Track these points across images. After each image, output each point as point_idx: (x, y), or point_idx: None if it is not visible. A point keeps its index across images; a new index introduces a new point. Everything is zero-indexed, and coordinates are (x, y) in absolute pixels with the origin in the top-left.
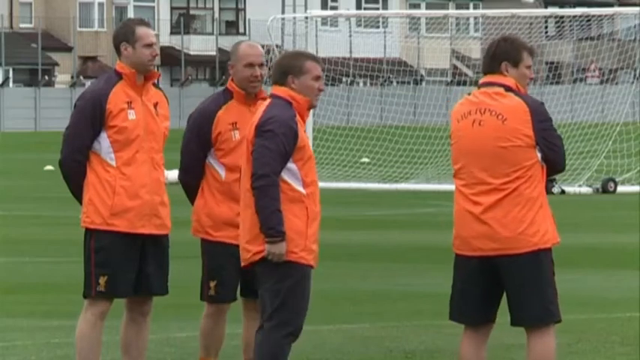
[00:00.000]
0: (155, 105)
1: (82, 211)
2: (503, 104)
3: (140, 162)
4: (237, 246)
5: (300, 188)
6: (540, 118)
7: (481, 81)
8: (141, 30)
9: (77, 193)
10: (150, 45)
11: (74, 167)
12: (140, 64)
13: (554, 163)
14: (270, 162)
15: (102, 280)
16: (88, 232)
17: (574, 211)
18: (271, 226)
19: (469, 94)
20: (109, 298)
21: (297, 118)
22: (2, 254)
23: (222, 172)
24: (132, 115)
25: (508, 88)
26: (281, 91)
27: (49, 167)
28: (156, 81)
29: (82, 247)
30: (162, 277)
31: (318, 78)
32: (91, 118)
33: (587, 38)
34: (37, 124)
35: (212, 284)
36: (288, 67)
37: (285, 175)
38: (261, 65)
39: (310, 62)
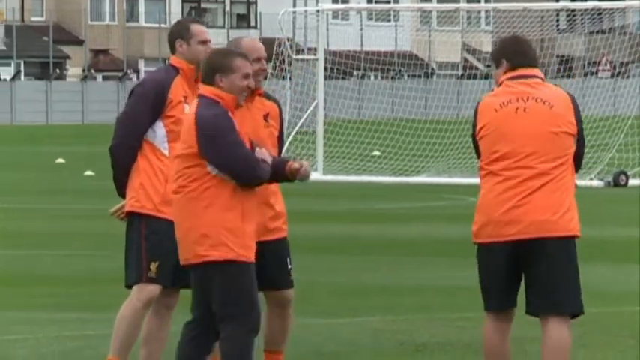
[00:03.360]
0: None
1: (131, 195)
2: (546, 92)
3: None
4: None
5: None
6: (578, 109)
7: (514, 74)
8: (195, 27)
9: (122, 179)
10: (204, 42)
11: (128, 153)
12: (195, 60)
13: (578, 158)
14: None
15: (153, 266)
16: (137, 217)
17: (585, 204)
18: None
19: (492, 89)
20: (159, 284)
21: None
22: (13, 247)
23: None
24: (187, 109)
25: (543, 80)
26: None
27: (60, 160)
28: None
29: (91, 240)
30: None
31: (246, 76)
32: (152, 105)
33: (598, 31)
34: (49, 117)
35: None
36: (217, 65)
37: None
38: (265, 59)
39: (239, 60)
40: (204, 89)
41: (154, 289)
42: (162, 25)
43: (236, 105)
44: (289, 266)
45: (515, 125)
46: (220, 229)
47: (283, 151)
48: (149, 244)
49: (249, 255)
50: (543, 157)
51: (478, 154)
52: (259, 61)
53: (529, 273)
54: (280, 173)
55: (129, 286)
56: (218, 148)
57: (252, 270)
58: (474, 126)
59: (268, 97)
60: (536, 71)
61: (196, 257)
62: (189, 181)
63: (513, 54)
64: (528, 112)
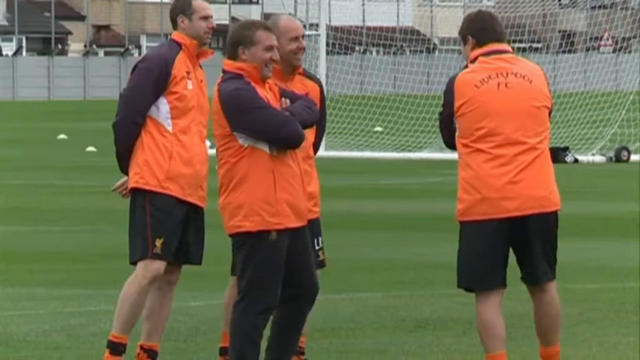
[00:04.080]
0: (200, 82)
1: (135, 171)
2: (523, 67)
3: (193, 132)
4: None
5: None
6: (549, 82)
7: (487, 49)
8: (197, 3)
9: (125, 156)
10: (206, 17)
11: (132, 129)
12: (197, 36)
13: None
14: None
15: (158, 242)
16: (141, 193)
17: (587, 179)
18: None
19: (466, 66)
20: (164, 260)
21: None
22: (15, 223)
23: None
24: (190, 85)
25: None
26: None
27: (62, 136)
28: None
29: (92, 216)
30: (200, 247)
31: (270, 48)
32: (156, 81)
33: (600, 6)
34: (51, 93)
35: None
36: (239, 38)
37: (259, 145)
38: (304, 37)
39: (262, 32)
40: (226, 64)
41: (159, 266)
42: (164, 1)
43: (260, 77)
44: (318, 246)
45: (499, 101)
46: (254, 199)
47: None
48: (154, 220)
49: (284, 222)
50: (529, 131)
51: (449, 131)
52: (297, 40)
53: (526, 247)
54: None
55: (133, 263)
56: (248, 118)
57: (284, 244)
58: (448, 103)
59: (310, 76)
60: (507, 46)
61: (232, 228)
62: (226, 156)
63: (480, 30)
64: (510, 88)
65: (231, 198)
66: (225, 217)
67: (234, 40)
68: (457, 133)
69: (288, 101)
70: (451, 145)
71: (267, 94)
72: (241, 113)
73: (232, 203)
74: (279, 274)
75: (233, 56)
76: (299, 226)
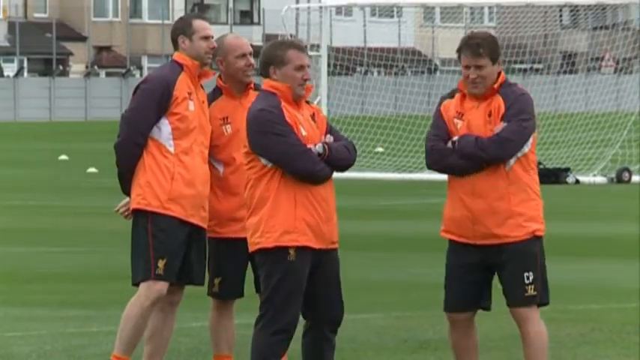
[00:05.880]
0: (202, 103)
1: (137, 192)
2: None
3: (195, 153)
4: (243, 239)
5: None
6: None
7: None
8: (198, 23)
9: (127, 177)
10: (207, 37)
11: (134, 150)
12: (198, 56)
13: None
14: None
15: (161, 264)
16: (143, 214)
17: (588, 200)
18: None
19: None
20: (167, 281)
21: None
22: (17, 244)
23: (220, 168)
24: (192, 106)
25: None
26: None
27: (64, 157)
28: None
29: (93, 237)
30: (203, 267)
31: (301, 67)
32: (158, 102)
33: (601, 27)
34: (52, 114)
35: (216, 281)
36: (270, 57)
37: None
38: (251, 54)
39: (292, 52)
40: (264, 82)
41: (162, 287)
42: (166, 22)
43: (293, 97)
44: None
45: None
46: (272, 216)
47: None
48: (156, 241)
49: (301, 240)
50: None
51: (517, 149)
52: (244, 57)
53: None
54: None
55: (136, 284)
56: (265, 143)
57: (303, 265)
58: (534, 117)
59: None
60: None
61: (252, 246)
62: (250, 174)
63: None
64: None
65: (254, 216)
66: (249, 235)
67: (265, 59)
68: (529, 149)
69: (331, 138)
70: (497, 161)
71: (302, 117)
72: (260, 136)
73: (253, 221)
74: (297, 295)
75: (266, 76)
76: (322, 249)
